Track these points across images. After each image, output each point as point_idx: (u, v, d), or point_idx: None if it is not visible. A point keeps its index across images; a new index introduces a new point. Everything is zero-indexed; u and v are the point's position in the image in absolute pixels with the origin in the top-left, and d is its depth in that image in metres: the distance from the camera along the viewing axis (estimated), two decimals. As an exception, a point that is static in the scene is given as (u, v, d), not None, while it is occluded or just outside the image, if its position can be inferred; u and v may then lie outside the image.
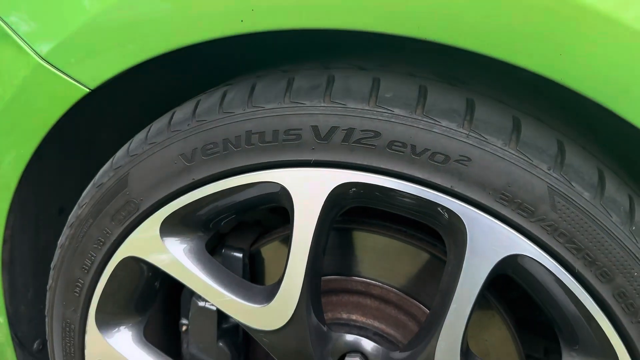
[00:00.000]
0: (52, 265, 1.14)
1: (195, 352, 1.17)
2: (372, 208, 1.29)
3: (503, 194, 0.83)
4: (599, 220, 0.82)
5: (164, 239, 1.01)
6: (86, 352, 1.16)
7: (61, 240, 1.12)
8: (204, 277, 1.01)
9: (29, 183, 1.29)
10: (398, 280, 1.13)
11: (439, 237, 1.13)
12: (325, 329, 1.03)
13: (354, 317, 1.16)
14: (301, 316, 0.98)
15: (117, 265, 1.06)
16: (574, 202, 0.82)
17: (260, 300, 1.01)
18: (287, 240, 1.19)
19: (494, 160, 0.83)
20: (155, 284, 1.12)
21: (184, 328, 1.20)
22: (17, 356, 1.38)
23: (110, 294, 1.10)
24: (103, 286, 1.09)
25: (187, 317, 1.19)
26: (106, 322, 1.13)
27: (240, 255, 1.15)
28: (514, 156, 0.83)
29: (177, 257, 1.01)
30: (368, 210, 1.29)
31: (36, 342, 1.43)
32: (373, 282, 1.14)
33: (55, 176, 1.35)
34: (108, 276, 1.07)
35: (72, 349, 1.17)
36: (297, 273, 0.95)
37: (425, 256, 1.10)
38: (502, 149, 0.83)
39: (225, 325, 1.16)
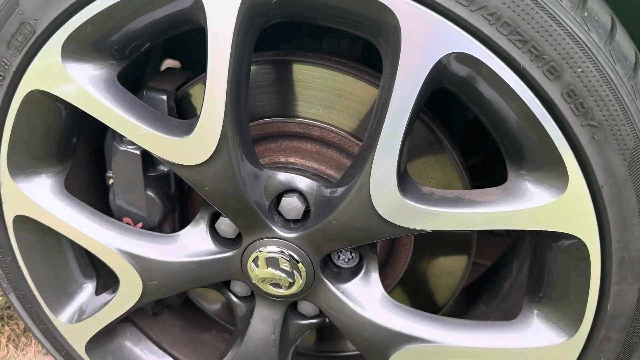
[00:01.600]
0: (-47, 110, 1.03)
1: (123, 204, 1.08)
2: (307, 41, 1.19)
3: (439, -21, 0.73)
4: (546, 5, 0.72)
5: (67, 65, 0.90)
6: (4, 207, 1.07)
7: (-42, 79, 0.99)
8: (115, 109, 0.91)
9: None
10: (339, 119, 1.04)
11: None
12: (257, 168, 0.95)
13: (292, 160, 1.07)
14: (226, 149, 0.88)
15: (22, 102, 0.95)
16: (518, -16, 0.72)
17: (180, 133, 0.91)
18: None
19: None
20: (71, 123, 1.01)
21: (110, 181, 1.10)
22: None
23: (21, 136, 0.99)
24: (11, 128, 0.98)
25: (112, 169, 1.10)
26: (21, 170, 1.03)
27: (163, 97, 1.04)
28: None
29: (83, 87, 0.90)
30: (304, 42, 1.18)
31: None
32: (312, 122, 1.05)
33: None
34: (14, 116, 0.96)
35: (-11, 205, 1.08)
36: (217, 96, 0.85)
37: (367, 88, 1.00)
38: None
39: (153, 174, 1.06)
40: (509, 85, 0.76)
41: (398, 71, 0.78)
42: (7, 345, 1.62)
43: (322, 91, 1.02)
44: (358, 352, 1.43)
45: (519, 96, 0.77)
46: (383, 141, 0.82)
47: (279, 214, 1.00)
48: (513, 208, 0.84)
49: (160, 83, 1.07)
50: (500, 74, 0.76)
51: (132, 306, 1.10)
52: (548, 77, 0.75)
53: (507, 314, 1.13)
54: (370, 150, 0.84)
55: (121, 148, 1.02)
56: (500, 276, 1.28)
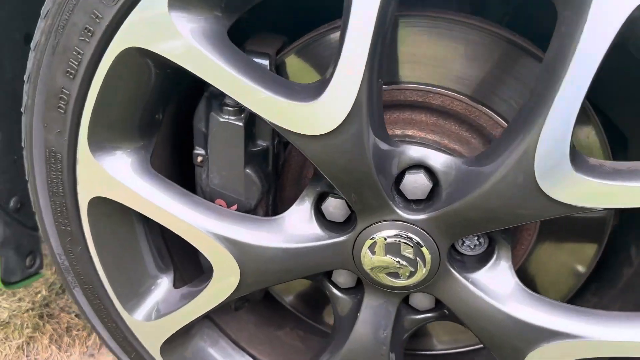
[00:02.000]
0: (25, 76, 0.89)
1: (216, 185, 0.95)
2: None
3: None
4: None
5: (175, 17, 0.76)
6: (79, 188, 0.93)
7: (35, 37, 0.85)
8: (230, 70, 0.78)
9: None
10: (466, 85, 0.91)
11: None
12: (384, 140, 0.83)
13: (409, 132, 0.95)
14: (358, 116, 0.76)
15: (113, 63, 0.81)
16: None
17: (304, 98, 0.78)
18: (322, 47, 0.96)
19: None
20: (160, 91, 0.88)
21: (199, 159, 0.97)
22: (-8, 215, 1.15)
23: (107, 105, 0.86)
24: (96, 95, 0.84)
25: (202, 146, 0.96)
26: (103, 145, 0.90)
27: (266, 61, 0.91)
28: None
29: (193, 43, 0.77)
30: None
31: (12, 199, 1.20)
32: (433, 89, 0.93)
33: None
34: (102, 80, 0.83)
35: (61, 186, 0.94)
36: (357, 53, 0.73)
37: (507, 49, 0.88)
38: None
39: (253, 149, 0.93)
40: None
41: (588, 19, 0.66)
42: (49, 346, 1.48)
43: (449, 52, 0.90)
44: (445, 352, 1.33)
45: None
46: (559, 103, 0.70)
47: (399, 193, 0.87)
48: None
49: (259, 46, 0.94)
50: None
51: (226, 299, 0.97)
52: None
53: (643, 304, 1.02)
54: (538, 115, 0.72)
55: (221, 120, 0.89)
56: (613, 265, 1.17)
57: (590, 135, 0.92)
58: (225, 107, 0.89)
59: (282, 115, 0.79)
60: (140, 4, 0.76)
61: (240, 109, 0.89)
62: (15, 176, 1.19)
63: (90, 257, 1.01)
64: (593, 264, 1.03)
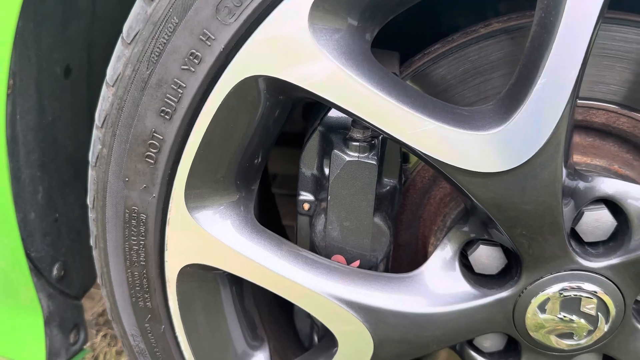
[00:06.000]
0: (99, 116, 0.70)
1: (334, 238, 0.77)
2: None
3: None
4: None
5: (317, 35, 0.59)
6: (168, 255, 0.74)
7: (115, 70, 0.66)
8: (384, 96, 0.61)
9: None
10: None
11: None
12: (571, 173, 0.67)
13: (593, 162, 0.79)
14: (555, 145, 0.60)
15: (227, 97, 0.63)
16: None
17: (484, 125, 0.62)
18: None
19: None
20: (264, 131, 0.70)
21: (305, 206, 0.79)
22: (35, 288, 0.94)
23: (212, 152, 0.67)
24: (200, 139, 0.66)
25: (309, 190, 0.79)
26: (202, 201, 0.71)
27: (392, 83, 0.74)
28: None
29: (340, 66, 0.59)
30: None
31: (55, 266, 0.99)
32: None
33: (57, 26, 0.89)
34: (210, 120, 0.64)
35: (143, 254, 0.74)
36: (567, 66, 0.58)
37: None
38: None
39: (380, 191, 0.76)
40: None
41: None
42: None
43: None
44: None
45: None
46: None
47: (573, 235, 0.72)
48: None
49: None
50: None
51: (354, 381, 0.78)
52: None
53: None
54: None
55: (348, 158, 0.71)
56: None
57: None
58: (353, 143, 0.71)
59: (450, 149, 0.62)
60: (267, 20, 0.59)
61: (371, 144, 0.72)
62: (57, 239, 0.98)
63: (176, 338, 0.81)
64: None
